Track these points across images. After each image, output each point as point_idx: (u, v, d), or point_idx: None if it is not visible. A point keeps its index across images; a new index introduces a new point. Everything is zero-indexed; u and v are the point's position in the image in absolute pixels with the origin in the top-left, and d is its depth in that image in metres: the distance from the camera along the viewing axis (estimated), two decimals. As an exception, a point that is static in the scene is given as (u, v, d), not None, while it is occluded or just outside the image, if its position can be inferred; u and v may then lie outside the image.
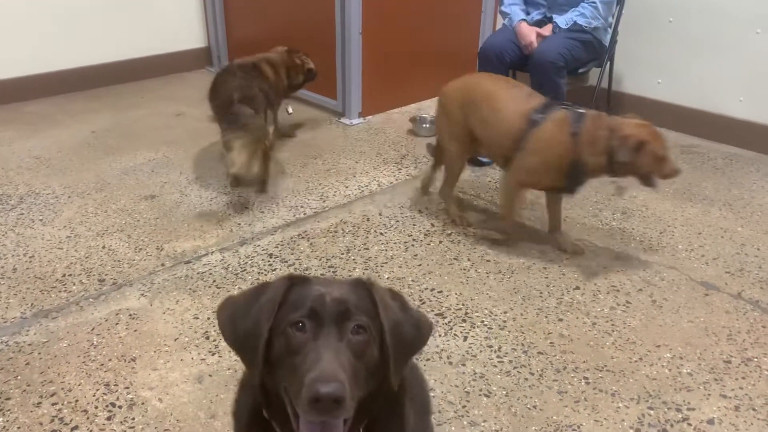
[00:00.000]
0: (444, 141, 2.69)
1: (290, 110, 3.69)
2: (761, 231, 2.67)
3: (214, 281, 2.28)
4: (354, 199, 2.90)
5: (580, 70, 3.12)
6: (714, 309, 2.17)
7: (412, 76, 4.06)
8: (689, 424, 1.70)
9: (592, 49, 3.09)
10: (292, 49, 3.37)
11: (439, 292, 2.25)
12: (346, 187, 3.00)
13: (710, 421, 1.71)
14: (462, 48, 4.29)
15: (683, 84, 3.68)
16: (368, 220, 2.71)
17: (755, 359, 1.93)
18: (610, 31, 3.20)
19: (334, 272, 2.34)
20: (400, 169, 3.20)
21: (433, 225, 2.68)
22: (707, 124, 3.61)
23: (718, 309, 2.17)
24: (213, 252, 2.46)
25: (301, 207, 2.81)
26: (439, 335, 2.03)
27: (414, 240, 2.57)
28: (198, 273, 2.33)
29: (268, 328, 0.94)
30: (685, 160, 3.37)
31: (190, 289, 2.24)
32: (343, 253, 2.46)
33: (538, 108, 2.33)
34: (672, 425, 1.69)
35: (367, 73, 3.77)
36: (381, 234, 2.61)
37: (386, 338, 0.95)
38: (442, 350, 1.96)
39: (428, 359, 1.91)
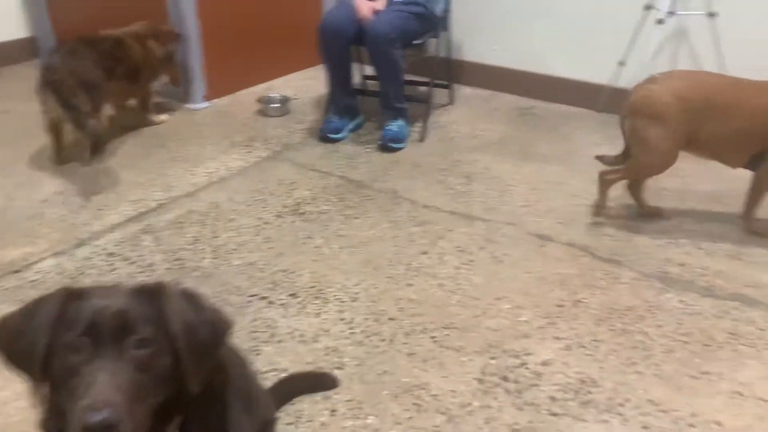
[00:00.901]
0: (650, 154, 2.39)
1: (163, 118, 3.48)
2: (589, 181, 2.88)
3: (49, 289, 2.12)
4: (201, 186, 2.80)
5: (415, 42, 3.19)
6: (549, 258, 2.33)
7: (258, 55, 3.97)
8: (527, 368, 1.82)
9: (426, 21, 3.17)
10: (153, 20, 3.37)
11: (292, 272, 2.24)
12: (193, 175, 2.90)
13: (545, 363, 1.84)
14: (307, 23, 4.21)
15: (516, 49, 3.87)
16: (217, 207, 2.64)
17: (584, 300, 2.10)
18: (441, 1, 3.30)
19: (181, 265, 2.26)
20: (250, 152, 3.13)
21: (285, 206, 2.66)
22: (541, 86, 3.84)
23: (552, 258, 2.33)
24: (46, 258, 2.29)
25: (144, 200, 2.68)
26: (292, 315, 2.02)
27: (266, 223, 2.54)
28: (29, 282, 2.16)
29: (43, 350, 0.89)
30: (524, 122, 3.57)
31: (20, 300, 2.06)
32: (190, 245, 2.38)
33: None
34: (512, 371, 1.81)
35: (208, 54, 3.64)
36: (231, 220, 2.55)
37: (179, 344, 0.93)
38: (295, 330, 1.96)
39: (280, 341, 1.91)
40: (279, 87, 3.96)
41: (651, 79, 2.39)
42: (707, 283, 2.19)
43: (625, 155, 2.54)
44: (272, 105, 3.57)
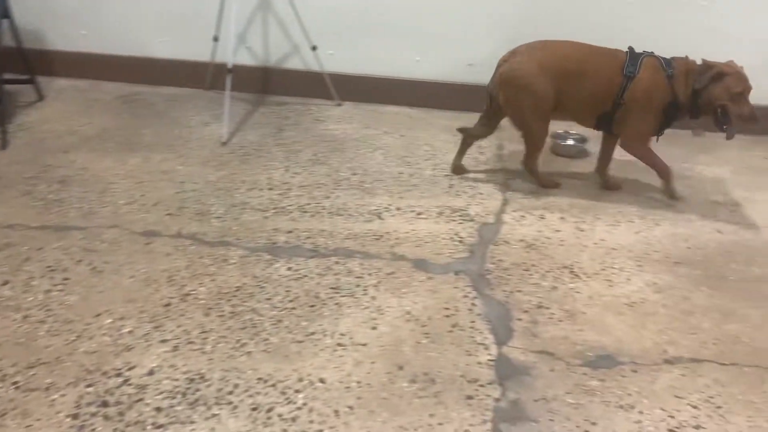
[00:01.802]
0: (526, 121, 2.61)
1: None
2: (198, 164, 2.80)
3: None
4: None
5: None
6: (155, 256, 2.18)
7: None
8: (130, 384, 1.65)
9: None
10: None
11: None
12: None
13: (151, 372, 1.70)
14: None
15: (110, 33, 3.56)
16: None
17: (193, 292, 2.01)
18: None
19: None
20: None
21: None
22: (145, 70, 3.60)
23: (160, 254, 2.19)
24: None
25: None
26: None
27: None
28: None
29: None
30: (128, 111, 3.31)
31: None
32: None
33: (628, 60, 2.49)
34: (112, 393, 1.62)
35: None
36: None
37: None
38: None
39: None
40: None
41: (514, 53, 2.56)
42: (312, 244, 2.28)
43: (487, 124, 2.72)
44: None
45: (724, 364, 1.80)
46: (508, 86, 2.55)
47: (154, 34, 3.53)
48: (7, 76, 3.04)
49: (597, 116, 2.61)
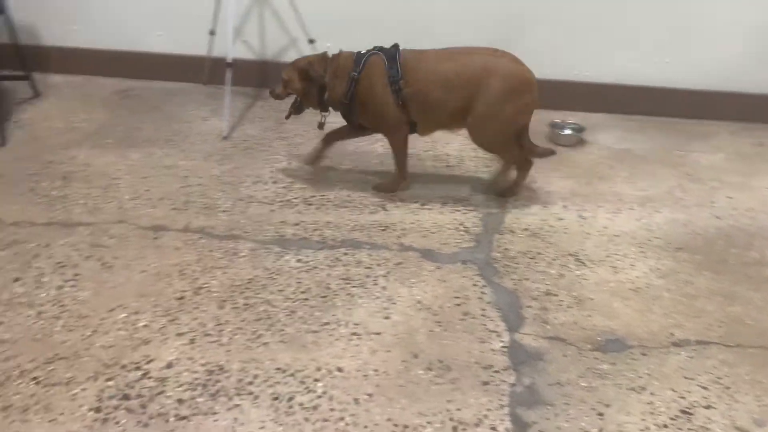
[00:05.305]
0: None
1: None
2: (201, 158, 2.80)
3: None
4: None
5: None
6: (165, 250, 2.18)
7: None
8: (150, 377, 1.67)
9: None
10: None
11: None
12: None
13: (169, 365, 1.71)
14: None
15: (102, 27, 3.54)
16: None
17: (205, 285, 2.02)
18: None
19: None
20: None
21: None
22: (139, 65, 3.58)
23: (169, 248, 2.19)
24: None
25: None
26: None
27: None
28: None
29: None
30: (125, 106, 3.30)
31: None
32: None
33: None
34: (132, 387, 1.63)
35: None
36: None
37: None
38: None
39: None
40: None
41: None
42: (320, 236, 2.30)
43: None
44: None
45: (729, 346, 1.85)
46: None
47: (150, 28, 3.51)
48: (3, 72, 3.02)
49: None
